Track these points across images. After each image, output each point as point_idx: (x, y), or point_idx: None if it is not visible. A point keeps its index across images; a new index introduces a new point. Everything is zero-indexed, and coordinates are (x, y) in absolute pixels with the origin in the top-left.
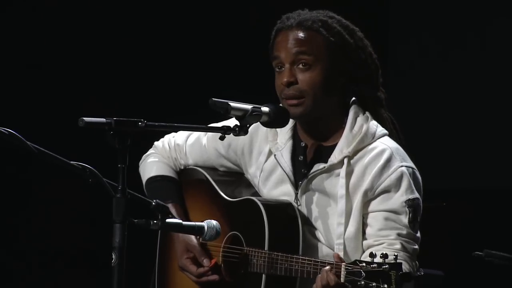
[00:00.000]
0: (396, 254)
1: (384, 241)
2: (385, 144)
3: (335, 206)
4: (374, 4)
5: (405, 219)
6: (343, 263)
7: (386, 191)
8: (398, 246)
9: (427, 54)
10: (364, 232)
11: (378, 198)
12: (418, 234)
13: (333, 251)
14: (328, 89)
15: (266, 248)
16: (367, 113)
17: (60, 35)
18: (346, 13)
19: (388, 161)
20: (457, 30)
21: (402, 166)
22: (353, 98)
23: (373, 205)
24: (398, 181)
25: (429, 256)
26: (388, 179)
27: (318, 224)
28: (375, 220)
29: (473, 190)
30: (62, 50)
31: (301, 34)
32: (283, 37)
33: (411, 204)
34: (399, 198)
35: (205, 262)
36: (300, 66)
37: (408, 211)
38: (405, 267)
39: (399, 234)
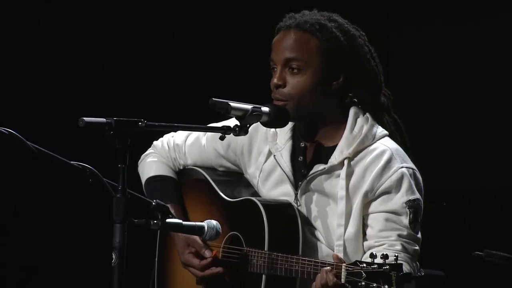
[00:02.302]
0: (396, 255)
1: (385, 242)
2: (385, 145)
3: (335, 207)
4: (374, 4)
5: (405, 220)
6: (343, 264)
7: (386, 192)
8: (399, 247)
9: (427, 54)
10: (364, 233)
11: (379, 199)
12: (419, 235)
13: (333, 251)
14: (318, 93)
15: (266, 248)
16: (367, 114)
17: (60, 34)
18: (347, 12)
19: (388, 162)
20: (458, 29)
21: (402, 167)
22: (350, 99)
23: (374, 206)
24: (398, 182)
25: (429, 256)
26: (388, 180)
27: (317, 224)
28: (375, 221)
29: (473, 190)
30: (62, 50)
31: (295, 36)
32: (279, 38)
33: (411, 205)
34: (399, 199)
35: (207, 253)
36: (291, 69)
37: (408, 212)
38: (406, 267)
39: (399, 235)
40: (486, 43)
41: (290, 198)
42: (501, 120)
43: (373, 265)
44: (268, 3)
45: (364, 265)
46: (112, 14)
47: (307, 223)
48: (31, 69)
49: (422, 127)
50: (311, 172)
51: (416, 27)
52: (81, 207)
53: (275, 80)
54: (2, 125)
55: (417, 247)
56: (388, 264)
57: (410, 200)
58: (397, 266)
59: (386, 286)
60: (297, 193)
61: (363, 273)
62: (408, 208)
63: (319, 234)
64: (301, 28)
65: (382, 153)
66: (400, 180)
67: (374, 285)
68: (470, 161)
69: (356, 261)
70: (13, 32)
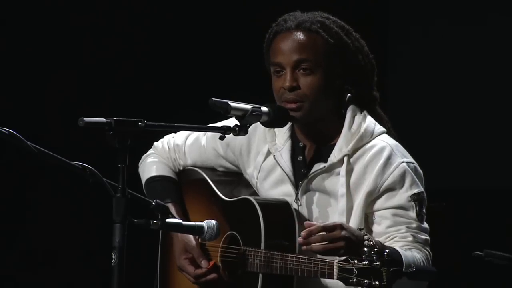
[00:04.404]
0: (410, 246)
1: (396, 235)
2: (385, 142)
3: (336, 205)
4: (373, 2)
5: (412, 213)
6: (335, 261)
7: (390, 188)
8: (410, 238)
9: (427, 53)
10: (370, 231)
11: (383, 196)
12: (426, 225)
13: None
14: (327, 92)
15: (262, 247)
16: (365, 112)
17: (61, 35)
18: (345, 12)
19: (389, 158)
20: (457, 29)
21: (403, 162)
22: (349, 95)
23: (379, 203)
24: (401, 178)
25: None
26: (391, 177)
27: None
28: (383, 218)
29: (473, 190)
30: (61, 50)
31: (301, 37)
32: (282, 40)
33: (416, 198)
34: (404, 194)
35: (203, 263)
36: (302, 71)
37: (414, 205)
38: (420, 255)
39: (408, 227)
40: (488, 43)
41: (291, 198)
42: (501, 120)
43: (364, 262)
44: (268, 4)
45: (356, 261)
46: (113, 13)
47: None
48: (31, 69)
49: (422, 127)
50: (312, 171)
51: (417, 26)
52: (81, 207)
53: (287, 83)
54: (2, 125)
55: (426, 237)
56: (379, 261)
57: (414, 193)
58: (387, 262)
59: (377, 282)
60: (298, 193)
61: (355, 269)
62: (413, 202)
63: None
64: (303, 28)
65: (382, 149)
66: (402, 175)
67: (366, 281)
68: (470, 161)
69: (348, 257)
70: (13, 31)
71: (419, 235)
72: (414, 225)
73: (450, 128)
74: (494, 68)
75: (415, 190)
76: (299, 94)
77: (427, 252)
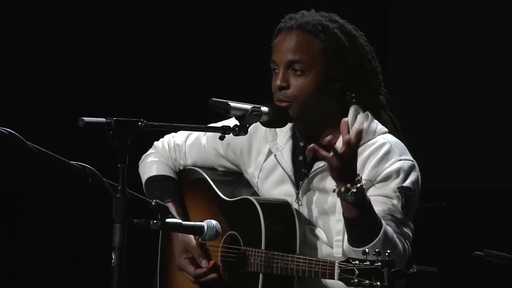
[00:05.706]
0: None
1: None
2: (385, 139)
3: (337, 204)
4: (374, 5)
5: (397, 203)
6: (336, 261)
7: (382, 181)
8: (388, 221)
9: (428, 54)
10: None
11: (373, 187)
12: (411, 224)
13: (333, 248)
14: (321, 94)
15: (263, 247)
16: (368, 112)
17: (60, 34)
18: (346, 12)
19: (387, 154)
20: (457, 30)
21: (400, 159)
22: (354, 100)
23: (369, 193)
24: (395, 173)
25: (429, 256)
26: (385, 172)
27: (319, 223)
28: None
29: (473, 190)
30: (62, 50)
31: (299, 38)
32: (281, 39)
33: (403, 191)
34: (392, 186)
35: (204, 263)
36: (294, 71)
37: (400, 197)
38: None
39: (390, 214)
40: (488, 44)
41: (291, 198)
42: (501, 120)
43: (365, 262)
44: (269, 3)
45: (357, 262)
46: (113, 13)
47: (309, 222)
48: (31, 69)
49: (422, 127)
50: (312, 170)
51: (417, 27)
52: (81, 207)
53: (278, 82)
54: (2, 125)
55: (409, 232)
56: (380, 261)
57: (402, 186)
58: (389, 263)
59: (378, 283)
60: (299, 193)
61: (356, 270)
62: (399, 193)
63: (320, 232)
64: (303, 29)
65: (381, 145)
66: (397, 171)
67: (367, 282)
68: (470, 161)
69: (349, 258)
70: (13, 31)
71: (401, 226)
72: (397, 216)
73: (450, 129)
74: (494, 69)
75: (404, 184)
76: (287, 94)
77: (406, 246)
